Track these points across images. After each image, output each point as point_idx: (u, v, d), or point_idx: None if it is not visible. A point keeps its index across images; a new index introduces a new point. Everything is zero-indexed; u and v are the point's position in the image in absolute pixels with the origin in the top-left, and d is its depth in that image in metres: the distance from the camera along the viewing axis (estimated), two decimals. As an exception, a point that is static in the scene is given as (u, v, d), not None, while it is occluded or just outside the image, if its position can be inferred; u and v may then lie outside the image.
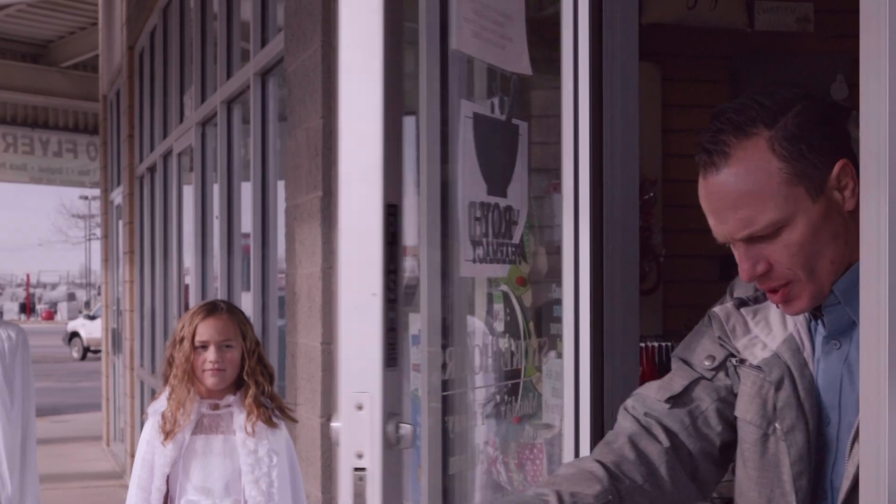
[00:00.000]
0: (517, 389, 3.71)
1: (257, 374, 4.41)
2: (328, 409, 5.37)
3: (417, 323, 4.67)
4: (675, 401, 2.41)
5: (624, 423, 2.45)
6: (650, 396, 2.44)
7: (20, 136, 20.70)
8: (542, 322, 3.78)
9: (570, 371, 3.07)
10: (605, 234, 3.12)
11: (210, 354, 4.31)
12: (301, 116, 5.66)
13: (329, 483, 5.38)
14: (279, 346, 6.62)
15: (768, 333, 2.30)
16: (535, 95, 4.30)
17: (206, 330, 4.34)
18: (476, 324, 4.16)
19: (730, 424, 2.38)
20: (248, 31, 7.44)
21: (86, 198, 76.76)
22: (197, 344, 4.33)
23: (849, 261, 2.14)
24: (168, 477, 4.38)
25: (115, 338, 15.42)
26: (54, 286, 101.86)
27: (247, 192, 7.50)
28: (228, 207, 8.04)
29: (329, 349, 5.35)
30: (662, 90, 5.97)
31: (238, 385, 4.40)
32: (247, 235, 7.65)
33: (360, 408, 1.89)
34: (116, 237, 15.68)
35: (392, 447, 1.86)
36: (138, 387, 12.94)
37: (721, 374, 2.39)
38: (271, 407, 4.42)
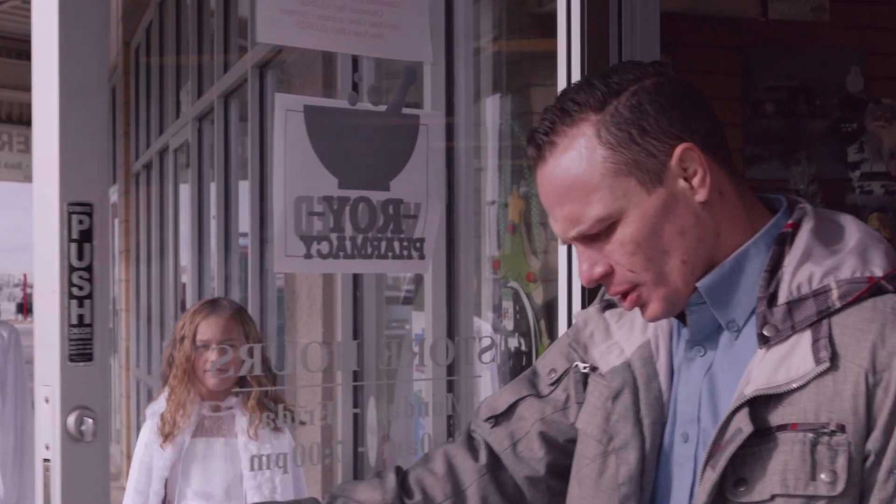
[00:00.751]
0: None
1: (260, 375, 4.23)
2: (329, 411, 5.19)
3: (421, 321, 4.51)
4: (497, 420, 2.22)
5: (457, 435, 2.29)
6: (481, 410, 2.26)
7: (15, 135, 20.53)
8: (552, 319, 3.61)
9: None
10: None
11: (211, 354, 4.14)
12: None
13: (329, 487, 5.20)
14: (277, 346, 6.46)
15: (628, 339, 2.07)
16: (535, 92, 4.15)
17: (207, 329, 4.17)
18: (483, 326, 4.00)
19: (558, 447, 2.17)
20: (245, 26, 7.27)
21: (82, 197, 76.22)
22: (198, 343, 4.16)
23: (708, 259, 1.93)
24: (166, 481, 4.20)
25: (111, 338, 15.26)
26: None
27: (245, 190, 7.34)
28: (226, 205, 7.86)
29: (330, 349, 5.17)
30: (672, 81, 5.80)
31: (240, 386, 4.23)
32: (245, 234, 7.52)
33: (46, 401, 2.01)
34: (112, 236, 15.53)
35: (76, 440, 1.96)
36: (134, 388, 12.79)
37: (558, 390, 2.18)
38: (274, 409, 4.24)
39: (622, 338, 2.07)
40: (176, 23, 10.26)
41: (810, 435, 1.78)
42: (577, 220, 1.91)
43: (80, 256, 1.92)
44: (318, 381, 5.25)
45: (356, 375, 5.05)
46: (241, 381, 4.21)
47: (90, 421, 1.94)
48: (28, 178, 21.13)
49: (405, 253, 3.36)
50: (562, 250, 3.03)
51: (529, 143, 1.97)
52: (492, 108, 4.07)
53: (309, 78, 5.29)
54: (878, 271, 1.86)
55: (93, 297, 1.92)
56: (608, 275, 1.93)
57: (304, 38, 3.09)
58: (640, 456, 1.95)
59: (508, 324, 3.65)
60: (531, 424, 2.18)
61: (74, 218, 1.89)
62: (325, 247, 3.19)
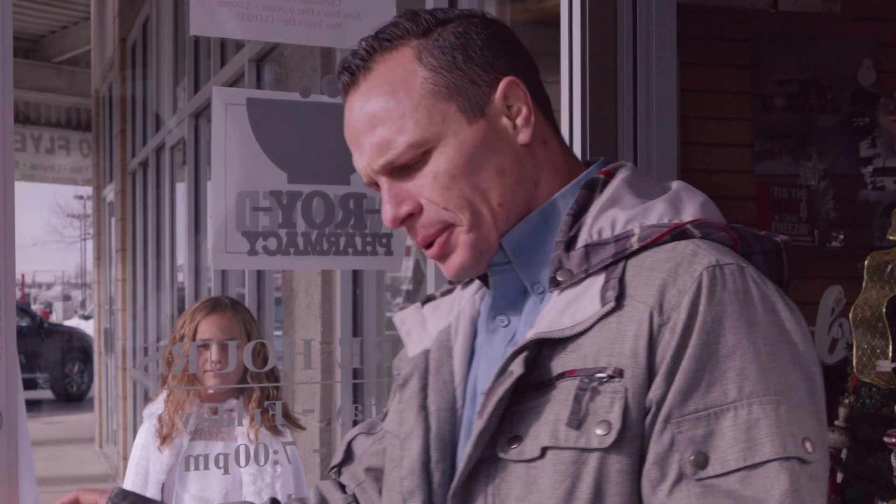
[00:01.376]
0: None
1: (262, 376, 4.09)
2: (328, 413, 5.07)
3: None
4: (339, 469, 2.16)
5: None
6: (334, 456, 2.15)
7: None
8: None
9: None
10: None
11: (213, 354, 4.00)
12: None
13: (330, 491, 5.08)
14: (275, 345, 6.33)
15: (436, 326, 1.89)
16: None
17: (208, 328, 4.02)
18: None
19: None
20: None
21: (81, 197, 76.52)
22: (198, 342, 4.02)
23: (525, 207, 1.76)
24: (163, 485, 4.06)
25: (108, 337, 15.12)
26: (49, 286, 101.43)
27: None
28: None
29: (329, 349, 5.05)
30: (679, 74, 5.67)
31: (241, 388, 4.10)
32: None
33: None
34: (109, 235, 15.41)
35: None
36: (131, 388, 12.64)
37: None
38: (276, 411, 4.10)
39: (433, 328, 1.89)
40: (173, 18, 10.13)
41: (584, 380, 1.61)
42: (387, 146, 1.72)
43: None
44: (318, 380, 5.15)
45: (356, 374, 4.95)
46: (242, 382, 4.06)
47: None
48: (24, 176, 21.24)
49: (369, 249, 3.26)
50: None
51: (341, 71, 1.78)
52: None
53: (308, 80, 5.16)
54: (687, 218, 1.72)
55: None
56: (415, 215, 1.75)
57: (245, 30, 2.99)
58: (422, 445, 1.76)
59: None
60: (362, 464, 2.10)
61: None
62: (272, 243, 3.12)
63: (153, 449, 4.07)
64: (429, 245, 1.77)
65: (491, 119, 1.74)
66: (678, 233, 1.69)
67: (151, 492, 4.04)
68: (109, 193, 14.96)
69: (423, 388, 1.82)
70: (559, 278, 1.71)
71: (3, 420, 1.83)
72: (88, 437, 16.40)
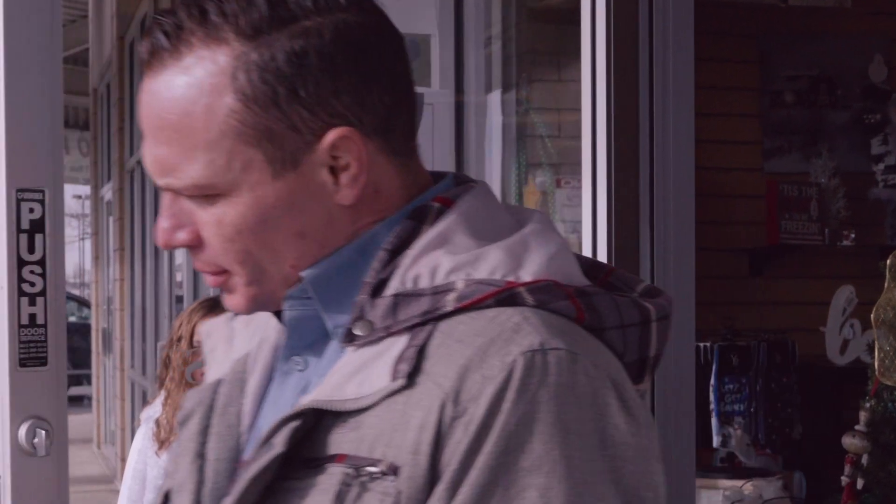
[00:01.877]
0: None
1: None
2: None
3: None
4: None
5: None
6: None
7: (9, 132, 20.36)
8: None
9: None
10: (656, 226, 2.75)
11: None
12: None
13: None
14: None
15: (239, 349, 1.56)
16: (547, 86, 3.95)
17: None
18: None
19: None
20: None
21: (79, 197, 76.61)
22: (195, 344, 3.92)
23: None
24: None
25: (106, 338, 15.03)
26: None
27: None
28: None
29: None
30: (687, 71, 5.59)
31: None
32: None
33: None
34: (107, 234, 15.31)
35: (28, 454, 1.63)
36: (129, 388, 12.54)
37: None
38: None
39: (239, 349, 1.56)
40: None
41: (350, 472, 1.30)
42: (170, 170, 1.38)
43: (32, 249, 1.61)
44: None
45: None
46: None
47: (43, 433, 1.62)
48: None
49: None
50: (586, 242, 2.81)
51: (147, 34, 1.38)
52: (501, 97, 3.84)
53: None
54: (526, 277, 1.35)
55: (46, 294, 1.61)
56: (194, 247, 1.42)
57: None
58: (192, 501, 1.44)
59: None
60: None
61: (24, 206, 1.58)
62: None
63: (151, 454, 3.98)
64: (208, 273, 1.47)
65: (306, 173, 1.39)
66: (506, 296, 1.34)
67: (149, 497, 3.94)
68: (107, 192, 14.86)
69: (204, 431, 1.49)
70: (357, 332, 1.37)
71: (53, 436, 1.68)
72: (86, 437, 16.23)
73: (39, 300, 1.58)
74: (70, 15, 18.27)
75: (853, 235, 5.38)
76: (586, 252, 2.77)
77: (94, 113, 16.15)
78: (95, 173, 16.07)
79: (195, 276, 8.57)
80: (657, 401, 2.74)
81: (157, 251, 10.88)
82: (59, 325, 1.93)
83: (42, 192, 1.58)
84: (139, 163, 11.76)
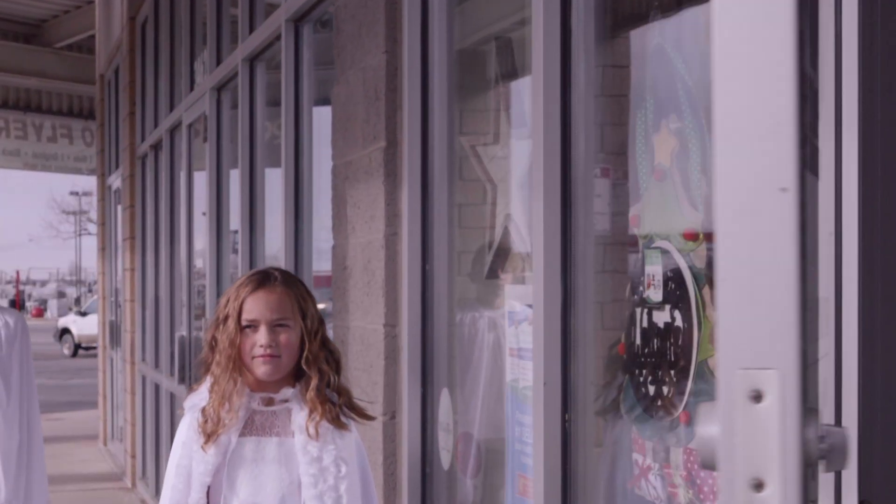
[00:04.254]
0: (685, 376, 2.81)
1: (321, 361, 3.45)
2: (392, 405, 4.47)
3: (520, 294, 3.79)
4: None
5: None
6: None
7: (12, 121, 19.81)
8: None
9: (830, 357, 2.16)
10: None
11: (260, 337, 3.37)
12: (355, 56, 4.76)
13: (393, 495, 4.47)
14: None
15: None
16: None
17: (255, 306, 3.38)
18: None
19: None
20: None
21: (76, 193, 76.30)
22: (244, 323, 3.38)
23: None
24: (209, 489, 3.45)
25: (114, 331, 14.56)
26: (44, 283, 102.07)
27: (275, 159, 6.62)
28: (250, 176, 7.13)
29: (394, 332, 4.44)
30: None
31: (297, 375, 3.48)
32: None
33: (756, 398, 1.00)
34: (114, 224, 14.87)
35: (812, 465, 0.99)
36: (139, 382, 12.05)
37: None
38: (339, 403, 3.47)
39: None
40: (188, -9, 9.55)
41: None
42: None
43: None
44: (381, 371, 4.56)
45: (425, 361, 4.37)
46: (298, 369, 3.45)
47: (838, 434, 1.06)
48: (27, 165, 20.67)
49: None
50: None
51: None
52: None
53: (366, 19, 4.56)
54: None
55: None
56: None
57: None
58: None
59: (654, 293, 2.92)
60: None
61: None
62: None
63: (196, 447, 3.45)
64: None
65: None
66: None
67: (195, 497, 3.43)
68: (115, 181, 14.43)
69: None
70: None
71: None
72: (90, 434, 15.86)
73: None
74: (75, 1, 17.85)
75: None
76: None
77: (100, 100, 15.75)
78: (102, 162, 15.68)
79: (218, 261, 8.07)
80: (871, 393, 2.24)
81: (171, 238, 10.38)
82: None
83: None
84: (152, 147, 11.28)
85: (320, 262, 6.01)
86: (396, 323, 4.42)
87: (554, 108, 3.29)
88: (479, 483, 4.20)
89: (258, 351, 3.36)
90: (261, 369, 3.38)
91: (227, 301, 3.45)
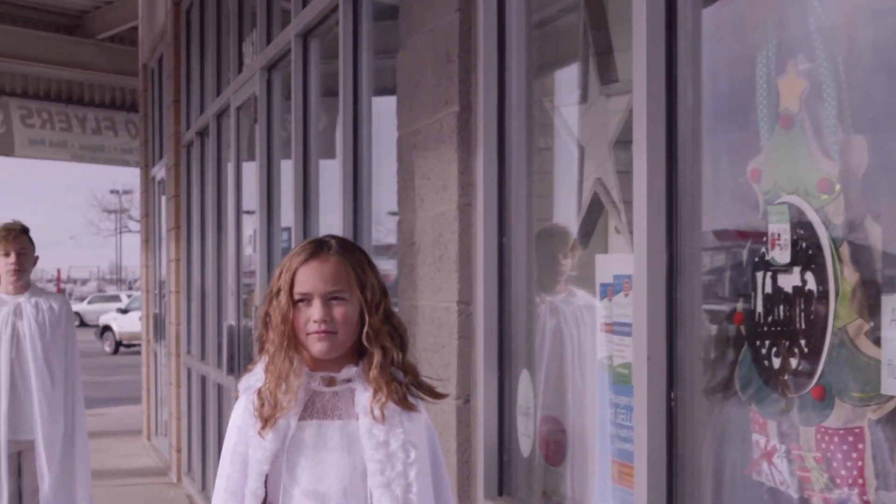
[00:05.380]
0: (820, 347, 2.48)
1: (383, 336, 3.12)
2: (466, 388, 4.16)
3: (613, 264, 3.47)
4: None
5: None
6: None
7: (55, 113, 19.67)
8: (861, 244, 2.54)
9: None
10: None
11: (314, 311, 3.05)
12: (423, 18, 4.46)
13: (467, 485, 4.16)
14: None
15: None
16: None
17: (307, 277, 3.06)
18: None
19: None
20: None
21: (116, 192, 76.70)
22: (296, 297, 3.06)
23: None
24: (267, 477, 3.14)
25: (158, 323, 14.34)
26: (84, 282, 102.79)
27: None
28: (304, 156, 6.83)
29: (468, 310, 4.13)
30: None
31: (360, 353, 3.16)
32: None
33: None
34: (157, 216, 14.67)
35: None
36: (185, 375, 11.80)
37: None
38: (405, 382, 3.15)
39: None
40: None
41: None
42: None
43: None
44: (454, 352, 4.25)
45: (502, 341, 4.06)
46: (360, 346, 3.12)
47: None
48: (74, 157, 20.51)
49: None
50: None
51: None
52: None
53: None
54: None
55: None
56: None
57: None
58: None
59: (781, 255, 2.59)
60: None
61: None
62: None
63: (253, 432, 3.14)
64: None
65: None
66: None
67: (252, 486, 3.12)
68: (159, 171, 14.22)
69: None
70: None
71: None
72: (133, 429, 15.67)
73: None
74: (118, -8, 17.69)
75: None
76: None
77: (143, 90, 15.57)
78: (146, 153, 15.51)
79: (269, 244, 7.78)
80: None
81: (219, 226, 10.12)
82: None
83: None
84: (198, 134, 11.03)
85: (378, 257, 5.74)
86: (471, 300, 4.11)
87: (657, 55, 2.98)
88: (565, 471, 3.88)
89: (312, 327, 3.05)
90: (316, 346, 3.06)
91: (280, 273, 3.14)
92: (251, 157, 8.53)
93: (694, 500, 2.97)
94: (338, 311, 3.06)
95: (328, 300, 3.05)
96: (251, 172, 8.42)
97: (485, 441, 4.07)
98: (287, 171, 7.24)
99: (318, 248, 3.12)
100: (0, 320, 6.73)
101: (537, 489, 4.01)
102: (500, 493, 4.08)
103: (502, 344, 4.07)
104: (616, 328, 3.37)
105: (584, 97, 3.77)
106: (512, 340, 4.06)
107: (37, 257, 6.92)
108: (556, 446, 3.92)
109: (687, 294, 2.97)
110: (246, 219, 8.96)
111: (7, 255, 6.69)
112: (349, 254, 3.14)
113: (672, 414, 2.98)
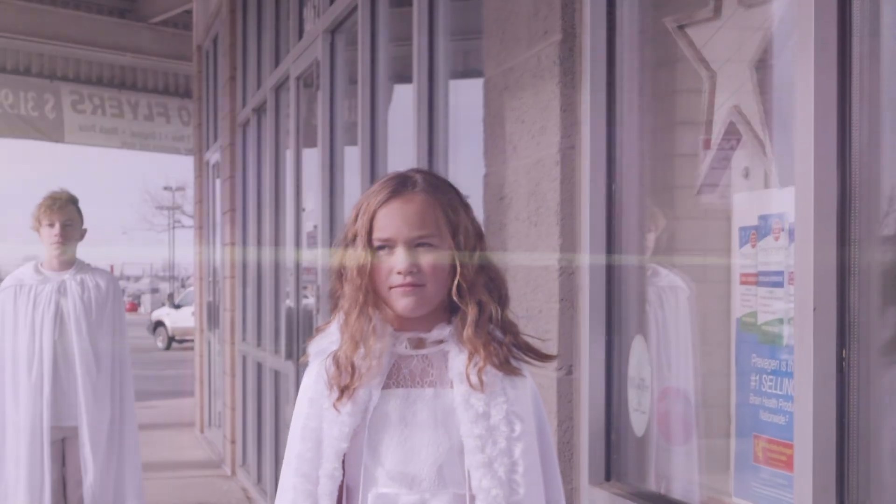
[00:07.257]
0: None
1: (479, 289, 2.59)
2: (568, 358, 3.65)
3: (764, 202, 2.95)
4: None
5: None
6: None
7: (107, 98, 19.37)
8: None
9: None
10: None
11: (397, 260, 2.53)
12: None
13: (570, 468, 3.65)
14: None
15: None
16: None
17: (389, 221, 2.54)
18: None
19: None
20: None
21: (169, 188, 77.23)
22: (376, 243, 2.55)
23: None
24: (345, 457, 2.62)
25: (212, 312, 13.99)
26: (137, 279, 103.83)
27: (401, 94, 5.87)
28: (371, 124, 6.36)
29: (571, 269, 3.62)
30: None
31: (453, 309, 2.65)
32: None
33: None
34: (211, 201, 14.33)
35: None
36: (240, 363, 11.40)
37: None
38: (505, 342, 2.62)
39: None
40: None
41: None
42: None
43: None
44: (553, 317, 3.75)
45: (611, 304, 3.57)
46: (452, 301, 2.59)
47: None
48: (125, 144, 20.23)
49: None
50: None
51: None
52: None
53: None
54: None
55: None
56: None
57: None
58: None
59: None
60: None
61: None
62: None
63: (327, 405, 2.62)
64: None
65: None
66: None
67: (328, 467, 2.61)
68: (213, 155, 13.88)
69: None
70: None
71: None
72: (186, 421, 15.44)
73: None
74: (172, -24, 17.41)
75: None
76: None
77: (197, 73, 15.27)
78: (199, 137, 15.23)
79: (331, 219, 7.31)
80: None
81: (276, 207, 9.68)
82: None
83: None
84: (255, 111, 10.63)
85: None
86: (574, 257, 3.60)
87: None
88: (692, 451, 3.35)
89: (396, 279, 2.52)
90: (400, 303, 2.54)
91: (356, 215, 2.61)
92: (309, 143, 8.14)
93: (872, 484, 2.45)
94: (426, 259, 2.53)
95: (414, 247, 2.53)
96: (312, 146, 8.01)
97: (590, 418, 3.57)
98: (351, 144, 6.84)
99: (401, 184, 2.59)
100: (43, 299, 6.28)
101: (653, 474, 3.50)
102: (608, 478, 3.58)
103: (611, 306, 3.57)
104: (762, 279, 2.84)
105: (715, 12, 3.24)
106: (623, 302, 3.55)
107: (85, 230, 6.47)
108: (678, 423, 3.40)
109: (863, 230, 2.46)
110: (307, 191, 8.53)
111: (52, 225, 6.25)
112: (439, 191, 2.61)
113: (844, 377, 2.45)
